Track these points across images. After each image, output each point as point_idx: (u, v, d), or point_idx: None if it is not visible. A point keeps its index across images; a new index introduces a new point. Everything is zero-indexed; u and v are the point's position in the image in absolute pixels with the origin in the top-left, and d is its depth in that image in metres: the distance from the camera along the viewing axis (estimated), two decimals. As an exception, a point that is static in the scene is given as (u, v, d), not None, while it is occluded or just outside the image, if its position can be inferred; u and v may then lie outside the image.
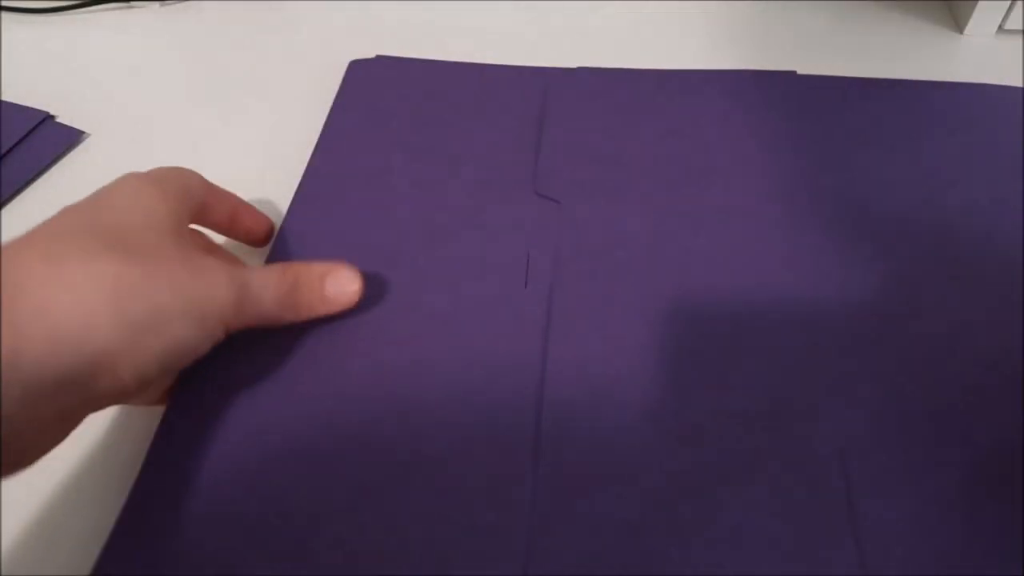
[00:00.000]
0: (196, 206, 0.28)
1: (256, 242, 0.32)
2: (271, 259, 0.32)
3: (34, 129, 0.39)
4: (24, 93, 0.41)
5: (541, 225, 0.33)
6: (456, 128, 0.37)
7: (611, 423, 0.27)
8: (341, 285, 0.28)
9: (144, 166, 0.37)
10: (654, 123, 0.37)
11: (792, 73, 0.40)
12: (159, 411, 0.27)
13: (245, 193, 0.36)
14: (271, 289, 0.26)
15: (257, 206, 0.35)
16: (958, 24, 0.44)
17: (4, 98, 0.41)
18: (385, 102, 0.39)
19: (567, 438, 0.26)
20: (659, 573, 0.23)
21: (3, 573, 0.24)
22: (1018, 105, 0.38)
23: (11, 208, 0.36)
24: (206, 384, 0.28)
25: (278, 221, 0.34)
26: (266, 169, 0.37)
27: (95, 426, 0.28)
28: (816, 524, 0.24)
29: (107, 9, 0.47)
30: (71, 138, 0.39)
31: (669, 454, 0.26)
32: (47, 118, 0.40)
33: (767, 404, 0.27)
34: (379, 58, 0.42)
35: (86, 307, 0.20)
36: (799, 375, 0.28)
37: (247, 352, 0.28)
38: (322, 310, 0.28)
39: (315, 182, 0.35)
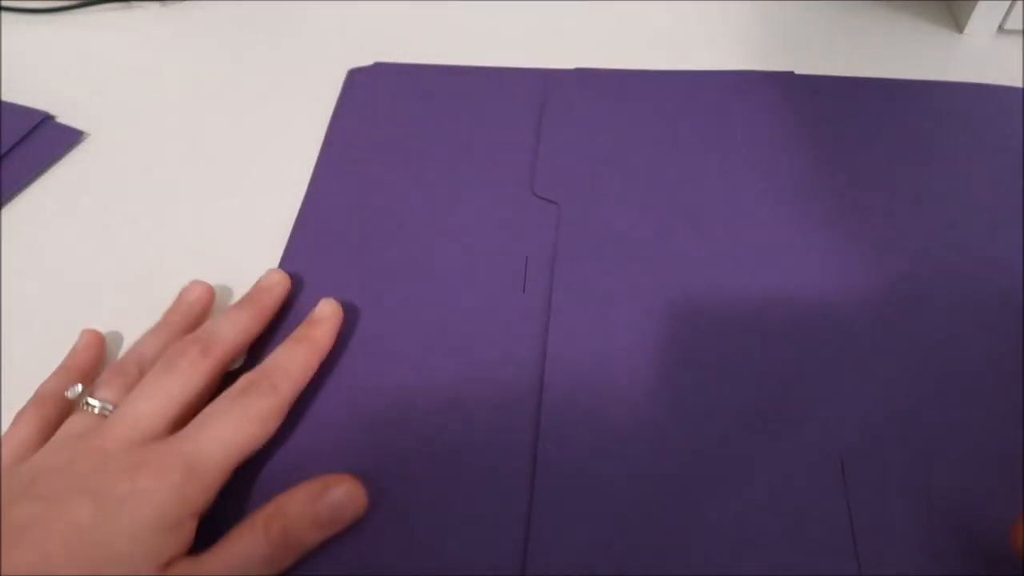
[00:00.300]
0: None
1: None
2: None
3: (34, 129, 0.39)
4: (24, 93, 0.41)
5: (540, 227, 0.33)
6: (455, 132, 0.37)
7: (609, 426, 0.27)
8: (337, 508, 0.24)
9: (144, 166, 0.37)
10: (652, 124, 0.38)
11: (790, 73, 0.40)
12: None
13: (245, 194, 0.36)
14: (258, 565, 0.22)
15: (258, 209, 0.35)
16: (958, 24, 0.44)
17: (4, 98, 0.41)
18: (384, 109, 0.39)
19: (565, 440, 0.26)
20: (656, 574, 0.23)
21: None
22: (1017, 105, 0.38)
23: (11, 208, 0.36)
24: None
25: (280, 228, 0.34)
26: (266, 171, 0.37)
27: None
28: (814, 528, 0.24)
29: (107, 9, 0.47)
30: (71, 138, 0.39)
31: (666, 457, 0.26)
32: (47, 118, 0.39)
33: (765, 407, 0.27)
34: (377, 65, 0.42)
35: None
36: (798, 378, 0.28)
37: None
38: (318, 538, 0.23)
39: (317, 197, 0.35)
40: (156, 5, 0.48)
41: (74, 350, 0.29)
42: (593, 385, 0.28)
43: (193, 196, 0.36)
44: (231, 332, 0.27)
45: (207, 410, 0.24)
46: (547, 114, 0.38)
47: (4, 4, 0.47)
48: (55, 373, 0.27)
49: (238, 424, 0.24)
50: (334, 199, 0.35)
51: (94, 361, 0.28)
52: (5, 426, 0.28)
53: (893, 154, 0.36)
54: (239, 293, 0.32)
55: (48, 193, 0.36)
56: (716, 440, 0.26)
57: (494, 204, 0.34)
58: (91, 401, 0.25)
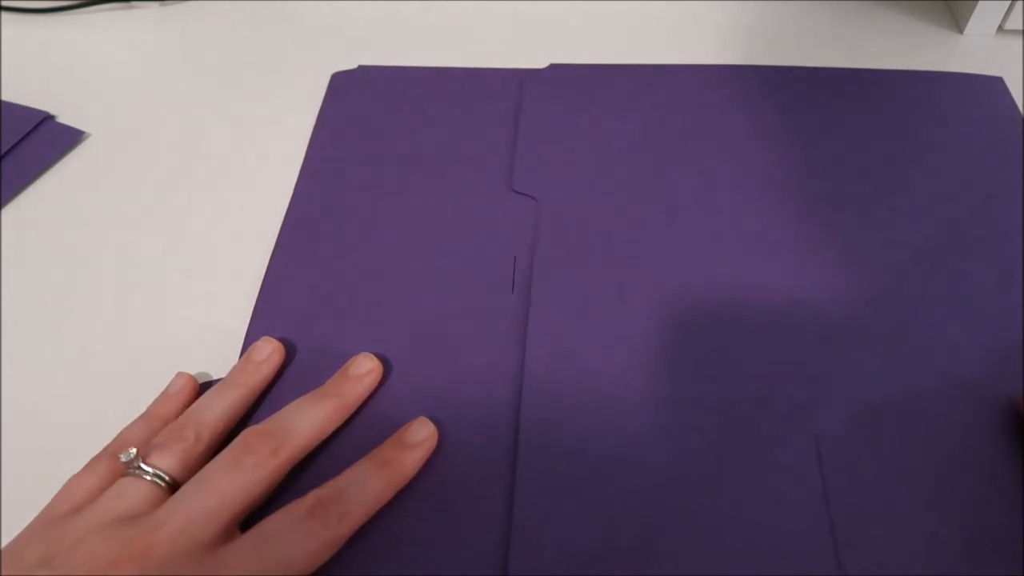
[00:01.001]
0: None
1: None
2: (266, 281, 0.32)
3: (34, 129, 0.39)
4: (24, 93, 0.41)
5: (519, 223, 0.33)
6: (436, 134, 0.38)
7: (589, 420, 0.27)
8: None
9: (144, 166, 0.37)
10: (629, 117, 0.38)
11: (765, 67, 0.40)
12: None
13: (241, 194, 0.36)
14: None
15: (251, 209, 0.35)
16: (958, 24, 0.44)
17: (4, 98, 0.41)
18: (367, 112, 0.39)
19: (546, 437, 0.26)
20: (635, 572, 0.23)
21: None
22: (992, 92, 0.38)
23: (11, 208, 0.36)
24: None
25: (272, 225, 0.34)
26: (264, 170, 0.37)
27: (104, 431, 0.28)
28: (791, 506, 0.25)
29: (107, 9, 0.47)
30: (71, 138, 0.39)
31: (646, 449, 0.26)
32: (47, 118, 0.40)
33: (744, 398, 0.27)
34: (360, 68, 0.42)
35: None
36: (776, 366, 0.28)
37: None
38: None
39: (304, 198, 0.35)
40: (156, 5, 0.48)
41: (164, 395, 0.27)
42: (573, 380, 0.28)
43: (191, 195, 0.36)
44: (306, 430, 0.25)
45: (266, 528, 0.23)
46: (523, 110, 0.38)
47: (4, 4, 0.47)
48: (139, 420, 0.26)
49: (293, 556, 0.22)
50: (320, 200, 0.35)
51: (182, 411, 0.27)
52: (5, 429, 0.28)
53: (867, 144, 0.36)
54: (235, 292, 0.32)
55: (48, 193, 0.36)
56: (694, 430, 0.26)
57: (475, 203, 0.34)
58: (144, 467, 0.23)
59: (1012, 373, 0.28)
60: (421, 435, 0.26)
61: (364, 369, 0.28)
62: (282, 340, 0.29)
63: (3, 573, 0.21)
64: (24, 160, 0.37)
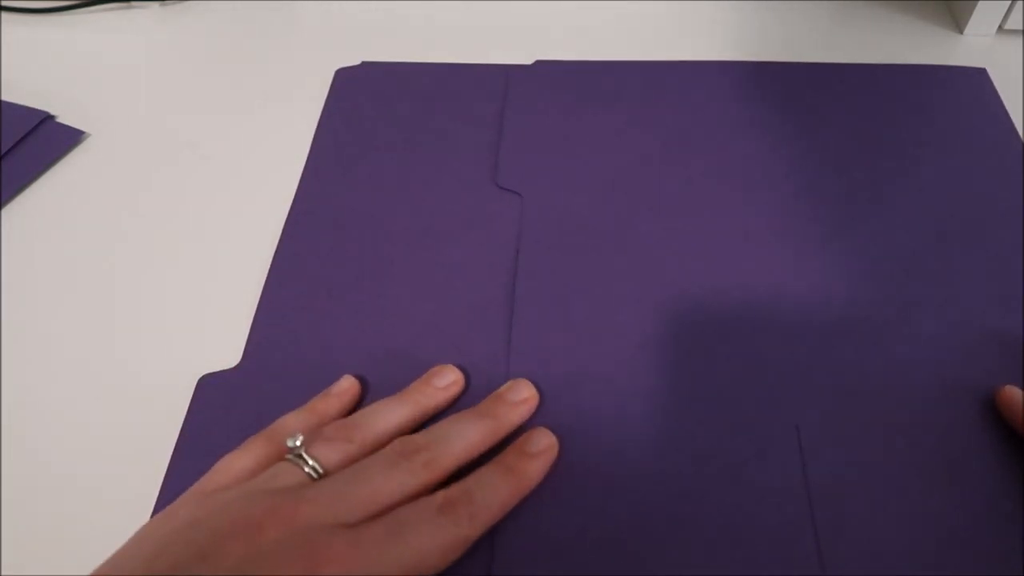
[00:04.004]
0: None
1: None
2: (270, 277, 0.32)
3: (34, 129, 0.39)
4: (24, 93, 0.41)
5: (503, 219, 0.33)
6: (428, 129, 0.38)
7: (572, 415, 0.27)
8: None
9: (144, 166, 0.37)
10: (615, 113, 0.38)
11: (749, 62, 0.41)
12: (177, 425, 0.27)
13: (242, 195, 0.36)
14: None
15: (252, 209, 0.35)
16: (958, 24, 0.44)
17: (4, 98, 0.40)
18: (369, 107, 0.39)
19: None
20: (618, 565, 0.23)
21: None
22: (978, 85, 0.39)
23: (11, 208, 0.36)
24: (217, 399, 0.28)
25: (273, 227, 0.34)
26: (264, 169, 0.37)
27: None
28: (771, 495, 0.25)
29: (107, 9, 0.47)
30: (71, 138, 0.39)
31: (628, 444, 0.26)
32: (47, 118, 0.39)
33: (725, 385, 0.28)
34: (364, 64, 0.42)
35: None
36: (757, 357, 0.28)
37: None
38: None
39: (307, 195, 0.35)
40: (156, 5, 0.48)
41: (327, 393, 0.27)
42: (556, 375, 0.28)
43: (191, 195, 0.36)
44: (460, 449, 0.25)
45: (400, 516, 0.23)
46: (509, 106, 0.39)
47: (4, 4, 0.47)
48: (300, 411, 0.27)
49: (427, 548, 0.22)
50: (324, 196, 0.35)
51: (342, 412, 0.27)
52: (4, 431, 0.28)
53: (849, 137, 0.36)
54: (239, 289, 0.32)
55: (48, 193, 0.36)
56: (679, 424, 0.27)
57: (461, 198, 0.34)
58: (305, 457, 0.24)
59: (993, 364, 0.28)
60: (542, 444, 0.26)
61: (521, 396, 0.27)
62: (286, 335, 0.29)
63: (154, 534, 0.22)
64: (24, 160, 0.37)
